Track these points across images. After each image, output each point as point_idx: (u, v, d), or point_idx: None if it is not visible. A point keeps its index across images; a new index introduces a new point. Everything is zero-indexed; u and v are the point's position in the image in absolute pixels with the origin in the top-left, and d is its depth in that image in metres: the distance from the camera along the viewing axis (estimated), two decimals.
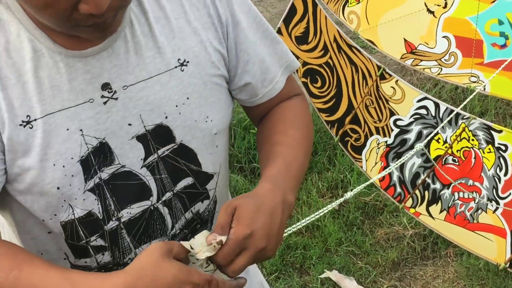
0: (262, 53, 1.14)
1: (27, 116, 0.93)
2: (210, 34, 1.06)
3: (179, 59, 1.03)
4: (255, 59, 1.13)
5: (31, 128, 0.93)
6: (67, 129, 0.95)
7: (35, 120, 0.93)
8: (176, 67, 1.03)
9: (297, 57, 2.53)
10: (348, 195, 2.28)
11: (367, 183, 2.33)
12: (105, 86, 0.98)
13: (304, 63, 2.50)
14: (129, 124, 1.00)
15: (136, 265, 0.90)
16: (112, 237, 1.05)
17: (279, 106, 1.21)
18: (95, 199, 1.01)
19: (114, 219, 1.04)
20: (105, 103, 0.98)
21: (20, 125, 0.93)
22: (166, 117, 1.02)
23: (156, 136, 1.03)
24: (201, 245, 0.94)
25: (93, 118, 0.97)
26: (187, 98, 1.04)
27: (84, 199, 1.00)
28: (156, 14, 1.01)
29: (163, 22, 1.02)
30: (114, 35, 0.97)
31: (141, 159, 1.03)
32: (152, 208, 1.06)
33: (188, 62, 1.03)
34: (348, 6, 2.17)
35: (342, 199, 2.19)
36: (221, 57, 1.08)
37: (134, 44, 0.99)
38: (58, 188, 0.97)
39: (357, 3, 2.11)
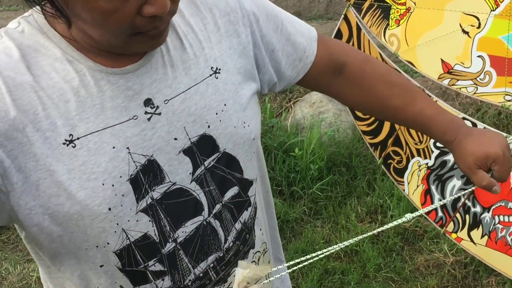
0: (282, 41, 1.19)
1: (70, 135, 0.92)
2: (234, 40, 1.08)
3: (212, 67, 1.04)
4: (278, 47, 1.18)
5: (74, 147, 0.92)
6: (113, 147, 0.94)
7: (77, 138, 0.92)
8: (210, 75, 1.04)
9: None
10: (408, 216, 2.32)
11: (421, 211, 2.40)
12: (148, 102, 0.98)
13: None
14: (175, 139, 0.99)
15: None
16: (171, 260, 1.03)
17: (363, 75, 1.30)
18: (149, 221, 0.99)
19: (170, 240, 1.01)
20: (149, 119, 0.97)
21: (64, 143, 0.92)
22: (209, 126, 1.02)
23: (202, 147, 1.02)
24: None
25: (139, 135, 0.96)
26: (225, 105, 1.04)
27: (137, 220, 0.98)
28: (184, 29, 1.04)
29: (192, 35, 1.04)
30: (151, 51, 0.99)
31: (190, 173, 1.02)
32: (205, 223, 1.05)
33: (220, 69, 1.05)
34: (389, 29, 2.30)
35: (400, 221, 2.23)
36: (247, 59, 1.11)
37: (169, 58, 1.01)
38: (109, 209, 0.94)
39: (397, 26, 2.23)
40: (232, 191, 1.08)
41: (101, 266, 1.00)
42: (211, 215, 1.05)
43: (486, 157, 1.22)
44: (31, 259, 3.13)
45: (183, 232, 1.02)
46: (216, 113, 1.03)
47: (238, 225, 1.10)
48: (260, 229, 1.17)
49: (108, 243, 0.97)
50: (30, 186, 0.91)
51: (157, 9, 0.85)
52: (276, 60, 1.18)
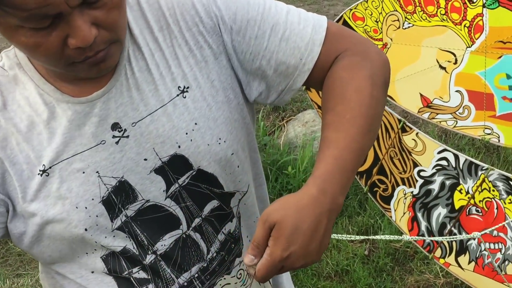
0: (271, 45, 1.06)
1: (43, 165, 0.97)
2: (204, 52, 1.04)
3: (179, 87, 1.02)
4: (262, 54, 1.06)
5: (47, 175, 0.97)
6: (83, 172, 0.98)
7: (50, 167, 0.97)
8: (178, 95, 1.02)
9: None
10: (406, 238, 2.33)
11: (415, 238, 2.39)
12: (115, 126, 0.99)
13: None
14: (145, 159, 1.01)
15: None
16: (154, 270, 1.06)
17: (327, 77, 1.07)
18: (126, 237, 1.03)
19: (150, 253, 1.05)
20: (117, 142, 0.99)
21: (38, 174, 0.97)
22: (179, 146, 1.02)
23: (174, 167, 1.02)
24: None
25: (108, 159, 0.99)
26: (195, 124, 1.03)
27: (114, 236, 1.02)
28: (151, 46, 1.02)
29: (158, 54, 1.02)
30: (115, 76, 0.99)
31: (163, 191, 1.03)
32: (184, 236, 1.07)
33: (188, 87, 1.03)
34: None
35: (399, 237, 2.22)
36: (223, 70, 1.06)
37: (134, 80, 1.00)
38: (86, 229, 0.99)
39: None
40: (211, 204, 1.09)
41: (92, 272, 1.06)
42: (191, 228, 1.07)
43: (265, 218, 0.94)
44: (20, 274, 3.14)
45: (162, 245, 1.05)
46: (186, 133, 1.02)
47: (221, 236, 1.11)
48: (247, 237, 1.17)
49: (95, 250, 1.03)
50: (17, 214, 1.00)
51: (77, 42, 0.85)
52: (260, 69, 1.08)
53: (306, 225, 0.90)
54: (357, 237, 1.97)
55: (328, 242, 0.96)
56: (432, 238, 2.44)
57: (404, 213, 2.55)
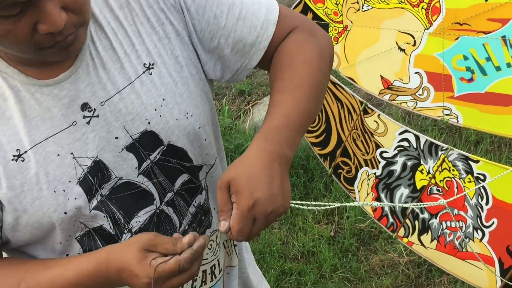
0: (229, 24, 1.09)
1: (17, 150, 0.96)
2: (167, 28, 1.05)
3: (144, 64, 1.03)
4: (220, 33, 1.09)
5: (23, 161, 0.96)
6: (58, 155, 0.97)
7: (25, 152, 0.96)
8: (143, 72, 1.03)
9: None
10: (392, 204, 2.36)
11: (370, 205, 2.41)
12: (85, 106, 0.99)
13: None
14: (116, 138, 1.02)
15: (115, 248, 0.97)
16: None
17: (276, 52, 1.14)
18: (104, 216, 1.03)
19: (126, 231, 1.06)
20: (88, 122, 0.99)
21: (12, 159, 0.95)
22: (149, 123, 1.03)
23: (144, 143, 1.04)
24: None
25: (80, 139, 0.99)
26: (163, 100, 1.04)
27: (92, 217, 1.02)
28: (113, 25, 1.02)
29: (121, 32, 1.03)
30: (80, 56, 0.99)
31: (136, 168, 1.04)
32: (158, 211, 1.08)
33: (153, 64, 1.04)
34: None
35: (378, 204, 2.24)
36: (185, 46, 1.07)
37: (100, 60, 1.01)
38: (65, 213, 0.99)
39: (336, 43, 2.25)
40: (182, 178, 1.11)
41: (67, 255, 1.06)
42: (163, 203, 1.09)
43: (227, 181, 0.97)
44: None
45: (137, 222, 1.07)
46: (155, 109, 1.04)
47: (192, 209, 1.14)
48: (214, 209, 1.19)
49: (69, 235, 1.03)
50: None
51: (49, 27, 0.85)
52: (218, 47, 1.11)
53: (258, 170, 0.94)
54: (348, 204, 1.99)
55: (289, 187, 0.98)
56: (413, 205, 2.47)
57: (367, 194, 2.59)
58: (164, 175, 1.08)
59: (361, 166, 2.56)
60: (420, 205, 2.33)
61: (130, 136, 1.03)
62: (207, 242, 0.99)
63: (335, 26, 2.26)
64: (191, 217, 1.14)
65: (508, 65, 1.86)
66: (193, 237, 0.95)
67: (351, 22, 2.19)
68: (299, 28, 1.14)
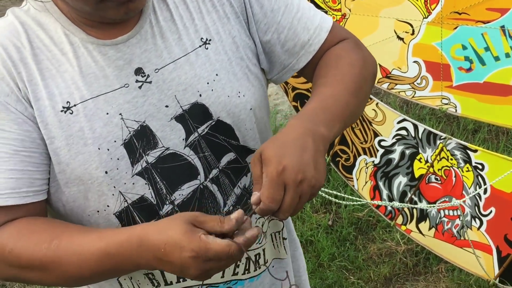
0: (284, 21, 1.12)
1: (67, 102, 0.98)
2: (227, 9, 1.08)
3: (201, 38, 1.06)
4: (275, 27, 1.12)
5: (71, 113, 0.98)
6: (107, 113, 0.99)
7: (74, 105, 0.98)
8: (200, 46, 1.06)
9: (286, 83, 2.67)
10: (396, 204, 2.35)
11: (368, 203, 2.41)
12: (138, 71, 1.01)
13: (293, 88, 2.64)
14: (166, 106, 1.03)
15: (159, 224, 0.91)
16: None
17: (324, 55, 1.16)
18: (145, 183, 1.02)
19: (168, 202, 1.05)
20: (140, 87, 1.01)
21: (61, 111, 0.98)
22: (200, 95, 1.04)
23: (194, 115, 1.04)
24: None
25: (131, 102, 1.00)
26: (216, 75, 1.06)
27: (133, 183, 1.02)
28: (175, 0, 1.07)
29: (182, 6, 1.06)
30: (140, 22, 1.03)
31: (183, 139, 1.04)
32: (201, 186, 1.07)
33: (210, 40, 1.06)
34: None
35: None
36: (243, 30, 1.10)
37: (159, 29, 1.04)
38: (106, 172, 0.99)
39: None
40: (228, 157, 1.10)
41: None
42: (208, 179, 1.08)
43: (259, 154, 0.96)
44: None
45: (179, 194, 1.05)
46: (208, 83, 1.05)
47: (237, 190, 1.12)
48: None
49: (108, 206, 1.02)
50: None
51: None
52: (270, 42, 1.13)
53: (289, 140, 0.93)
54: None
55: (324, 165, 0.94)
56: (418, 206, 2.48)
57: (366, 182, 2.58)
58: (211, 150, 1.07)
59: (359, 155, 2.55)
60: (435, 206, 2.33)
61: (181, 106, 1.03)
62: (260, 233, 0.94)
63: (333, 14, 2.24)
64: (236, 198, 1.12)
65: (507, 55, 1.85)
66: (242, 214, 0.91)
67: (349, 10, 2.18)
68: (348, 40, 1.18)
